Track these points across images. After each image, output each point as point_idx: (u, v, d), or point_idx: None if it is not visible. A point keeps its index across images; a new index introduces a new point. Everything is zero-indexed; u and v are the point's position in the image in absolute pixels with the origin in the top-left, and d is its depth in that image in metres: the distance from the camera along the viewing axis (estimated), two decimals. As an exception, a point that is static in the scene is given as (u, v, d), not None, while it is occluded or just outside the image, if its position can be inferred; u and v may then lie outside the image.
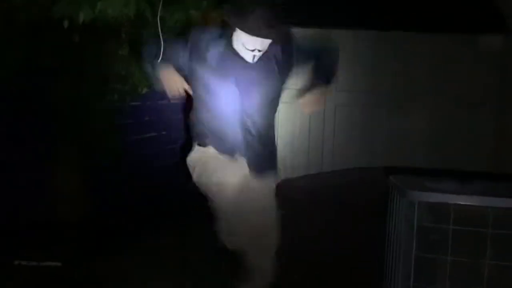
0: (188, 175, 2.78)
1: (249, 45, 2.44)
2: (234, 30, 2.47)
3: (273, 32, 2.42)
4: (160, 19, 2.43)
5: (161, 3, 2.47)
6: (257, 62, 2.53)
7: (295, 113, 4.36)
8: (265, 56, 2.53)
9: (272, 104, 2.67)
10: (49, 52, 3.18)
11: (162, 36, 2.40)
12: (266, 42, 2.45)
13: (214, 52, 2.56)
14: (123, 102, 3.93)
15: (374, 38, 4.38)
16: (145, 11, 3.02)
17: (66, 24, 2.91)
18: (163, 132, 5.01)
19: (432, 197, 2.32)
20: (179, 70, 2.57)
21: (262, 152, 2.62)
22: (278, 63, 2.57)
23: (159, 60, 2.52)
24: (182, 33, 2.76)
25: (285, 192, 3.97)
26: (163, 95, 2.73)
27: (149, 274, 3.35)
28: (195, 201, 2.86)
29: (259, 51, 2.47)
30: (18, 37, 2.84)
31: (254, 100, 2.61)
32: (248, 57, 2.49)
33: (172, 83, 2.59)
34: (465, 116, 4.25)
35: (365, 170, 4.02)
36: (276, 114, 2.67)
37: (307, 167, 4.40)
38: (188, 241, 3.72)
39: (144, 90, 3.98)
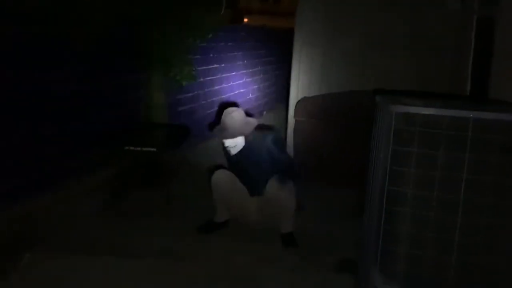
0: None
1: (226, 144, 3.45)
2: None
3: (230, 134, 3.39)
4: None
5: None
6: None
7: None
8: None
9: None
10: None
11: None
12: (232, 140, 3.41)
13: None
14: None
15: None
16: None
17: None
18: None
19: (405, 109, 3.04)
20: None
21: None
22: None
23: None
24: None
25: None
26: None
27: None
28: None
29: (232, 147, 3.43)
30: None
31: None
32: (232, 152, 3.49)
33: None
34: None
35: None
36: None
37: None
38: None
39: None
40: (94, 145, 4.07)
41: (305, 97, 5.13)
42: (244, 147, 3.49)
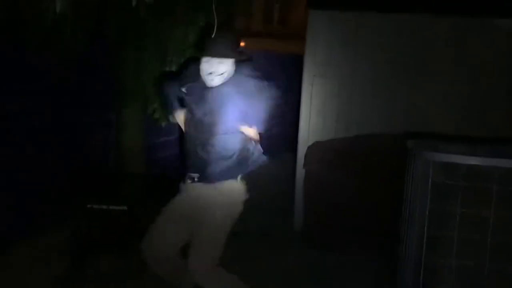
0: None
1: (206, 70, 3.11)
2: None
3: (222, 52, 3.09)
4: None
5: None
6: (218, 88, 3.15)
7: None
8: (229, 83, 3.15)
9: (235, 124, 3.22)
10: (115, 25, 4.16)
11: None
12: (220, 64, 3.11)
13: (187, 87, 3.27)
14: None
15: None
16: None
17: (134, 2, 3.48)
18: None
19: (446, 157, 3.05)
20: None
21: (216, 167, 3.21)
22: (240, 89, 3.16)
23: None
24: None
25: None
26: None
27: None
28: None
29: (218, 74, 3.11)
30: (92, 11, 3.66)
31: (213, 123, 3.20)
32: (209, 82, 3.14)
33: None
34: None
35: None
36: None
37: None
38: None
39: None
40: (48, 200, 4.05)
41: (317, 142, 5.13)
42: (231, 79, 3.21)
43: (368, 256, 4.33)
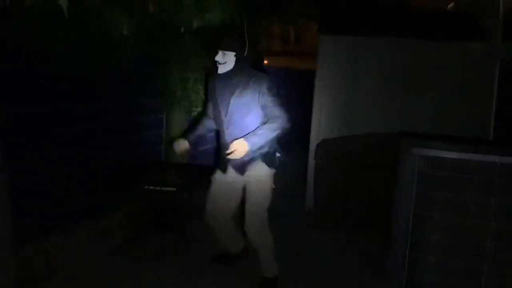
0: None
1: (216, 59, 3.16)
2: None
3: (224, 45, 3.12)
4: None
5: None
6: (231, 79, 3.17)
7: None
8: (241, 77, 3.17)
9: (250, 113, 3.23)
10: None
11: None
12: (224, 54, 3.13)
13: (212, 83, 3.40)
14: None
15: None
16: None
17: (182, 29, 3.72)
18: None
19: (430, 152, 3.04)
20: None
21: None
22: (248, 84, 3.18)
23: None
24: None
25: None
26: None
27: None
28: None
29: (221, 63, 3.14)
30: (147, 34, 3.74)
31: (232, 109, 3.23)
32: (219, 70, 3.18)
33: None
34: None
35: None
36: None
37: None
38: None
39: None
40: (113, 185, 4.12)
41: (325, 140, 5.18)
42: (232, 69, 3.19)
43: (366, 234, 4.35)
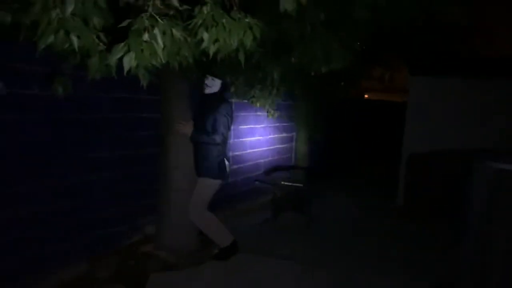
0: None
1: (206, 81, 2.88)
2: None
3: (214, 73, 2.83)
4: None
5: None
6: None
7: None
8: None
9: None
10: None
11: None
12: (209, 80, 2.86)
13: None
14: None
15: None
16: None
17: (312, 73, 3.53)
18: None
19: (502, 166, 2.76)
20: None
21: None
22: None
23: None
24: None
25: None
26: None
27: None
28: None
29: (207, 85, 2.87)
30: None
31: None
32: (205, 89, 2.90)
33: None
34: None
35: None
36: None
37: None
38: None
39: None
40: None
41: (414, 152, 5.14)
42: (213, 93, 2.89)
43: (448, 226, 4.16)
